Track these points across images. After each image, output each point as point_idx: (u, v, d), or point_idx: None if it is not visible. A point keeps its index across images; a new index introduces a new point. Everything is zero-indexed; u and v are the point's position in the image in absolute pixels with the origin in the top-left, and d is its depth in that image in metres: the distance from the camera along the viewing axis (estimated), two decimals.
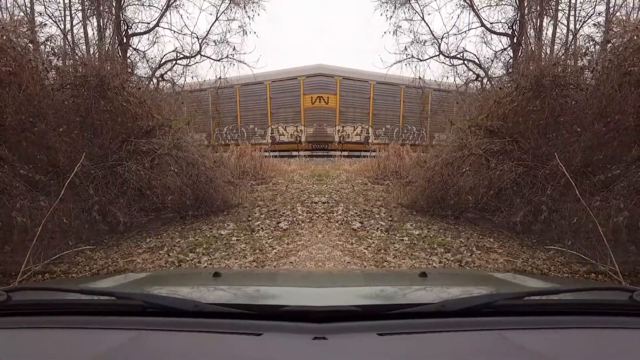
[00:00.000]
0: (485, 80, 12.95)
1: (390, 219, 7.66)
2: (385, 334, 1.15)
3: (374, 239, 6.61)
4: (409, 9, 13.42)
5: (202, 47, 13.62)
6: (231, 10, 13.49)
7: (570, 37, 12.39)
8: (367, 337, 1.15)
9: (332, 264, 5.47)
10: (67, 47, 11.17)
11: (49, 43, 8.22)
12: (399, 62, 13.58)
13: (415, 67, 13.69)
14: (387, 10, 13.39)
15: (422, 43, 13.55)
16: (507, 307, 1.30)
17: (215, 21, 13.50)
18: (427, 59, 13.71)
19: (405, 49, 13.51)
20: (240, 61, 13.53)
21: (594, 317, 1.31)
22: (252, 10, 13.31)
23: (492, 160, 7.16)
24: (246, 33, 13.43)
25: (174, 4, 13.12)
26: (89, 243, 6.29)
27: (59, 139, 6.45)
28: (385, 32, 13.46)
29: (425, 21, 13.42)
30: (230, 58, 13.59)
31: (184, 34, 13.42)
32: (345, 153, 16.00)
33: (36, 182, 6.07)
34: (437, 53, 13.65)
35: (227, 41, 13.57)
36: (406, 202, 8.46)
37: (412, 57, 13.59)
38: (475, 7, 13.01)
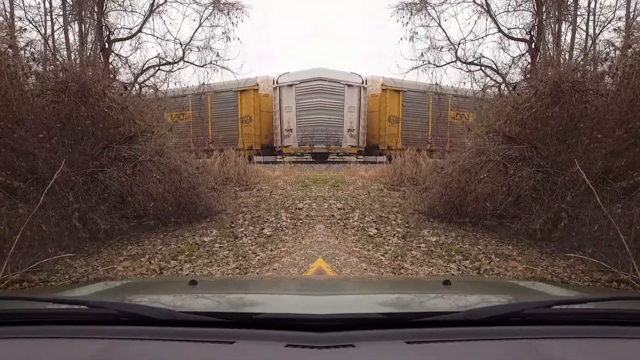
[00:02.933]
0: (502, 86, 12.85)
1: (406, 225, 7.62)
2: (413, 342, 1.15)
3: (390, 245, 6.58)
4: (425, 16, 13.41)
5: (185, 53, 13.58)
6: (215, 16, 13.46)
7: (590, 42, 12.25)
8: (395, 346, 1.15)
9: (349, 270, 5.46)
10: (47, 52, 11.10)
11: (28, 48, 8.11)
12: (416, 68, 13.58)
13: (432, 73, 13.68)
14: (403, 17, 13.40)
15: (439, 49, 13.51)
16: (534, 316, 1.29)
17: (198, 27, 13.45)
18: (444, 65, 13.67)
19: (422, 55, 13.49)
20: (224, 67, 13.51)
21: (621, 327, 1.30)
22: (236, 16, 13.31)
23: (511, 166, 7.09)
24: (230, 39, 13.39)
25: (157, 10, 13.06)
26: (69, 251, 6.08)
27: (38, 145, 6.34)
28: (401, 39, 13.45)
29: (442, 27, 13.40)
30: (214, 64, 13.56)
31: (167, 40, 13.30)
32: None
33: (15, 188, 5.97)
34: (454, 59, 13.60)
35: (211, 47, 13.52)
36: (423, 208, 8.41)
37: (429, 63, 13.57)
38: (492, 13, 12.93)
